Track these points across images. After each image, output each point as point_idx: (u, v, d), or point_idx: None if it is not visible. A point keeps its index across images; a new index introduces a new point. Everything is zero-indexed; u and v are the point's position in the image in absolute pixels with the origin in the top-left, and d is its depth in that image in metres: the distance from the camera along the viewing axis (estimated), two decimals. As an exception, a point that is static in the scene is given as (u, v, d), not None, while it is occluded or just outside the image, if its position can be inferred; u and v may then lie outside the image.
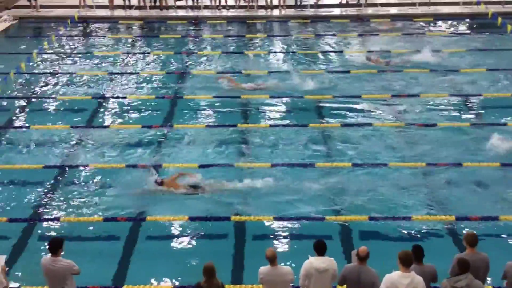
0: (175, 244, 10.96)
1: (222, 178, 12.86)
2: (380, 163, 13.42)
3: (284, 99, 17.24)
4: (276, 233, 11.18)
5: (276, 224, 11.36)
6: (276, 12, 26.55)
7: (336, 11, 26.69)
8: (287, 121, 15.90)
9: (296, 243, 10.93)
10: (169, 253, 10.68)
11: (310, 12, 26.30)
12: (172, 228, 11.34)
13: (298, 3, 26.87)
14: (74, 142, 14.77)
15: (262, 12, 26.50)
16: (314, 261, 8.06)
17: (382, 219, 11.37)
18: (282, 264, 8.58)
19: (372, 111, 16.33)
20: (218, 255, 10.10)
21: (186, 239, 11.06)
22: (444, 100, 16.92)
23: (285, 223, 11.39)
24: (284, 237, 11.09)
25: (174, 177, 12.77)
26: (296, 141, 14.69)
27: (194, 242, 11.00)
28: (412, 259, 7.65)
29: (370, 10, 26.45)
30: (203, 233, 11.20)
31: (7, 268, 8.75)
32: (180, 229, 11.32)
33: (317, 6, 26.79)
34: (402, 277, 7.53)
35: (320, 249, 8.12)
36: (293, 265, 8.52)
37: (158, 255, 10.55)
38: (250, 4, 26.60)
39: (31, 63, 19.51)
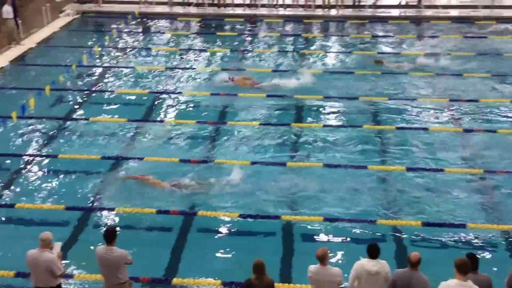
0: (225, 239, 11.05)
1: (275, 177, 12.87)
2: (436, 168, 13.14)
3: (339, 100, 17.09)
4: (325, 234, 11.11)
5: (326, 225, 11.29)
6: (333, 12, 26.36)
7: (395, 12, 26.29)
8: (341, 122, 15.77)
9: (346, 245, 10.83)
10: (219, 248, 10.76)
11: (368, 12, 26.00)
12: (222, 224, 11.42)
13: (356, 3, 26.59)
14: (131, 135, 15.07)
15: (319, 12, 26.36)
16: (366, 263, 7.97)
17: (436, 225, 11.13)
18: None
19: (429, 115, 16.01)
20: (267, 253, 10.14)
21: (236, 235, 11.13)
22: (506, 106, 16.43)
23: (335, 224, 11.30)
24: (334, 238, 11.01)
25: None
26: (349, 142, 14.55)
27: (243, 239, 11.05)
28: (469, 267, 7.43)
29: (429, 12, 25.90)
30: (252, 230, 11.23)
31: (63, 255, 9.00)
32: (231, 225, 11.39)
33: (375, 6, 26.44)
34: (459, 286, 7.33)
35: (373, 252, 8.03)
36: (342, 266, 8.42)
37: (208, 250, 10.66)
38: (308, 3, 26.50)
39: (92, 57, 20.01)
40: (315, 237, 11.07)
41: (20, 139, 14.76)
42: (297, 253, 10.65)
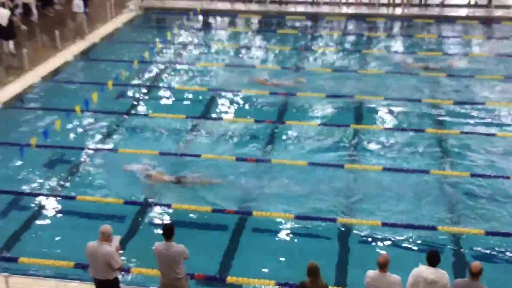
0: (280, 240, 10.94)
1: (332, 179, 12.67)
2: (502, 175, 12.61)
3: (401, 102, 16.67)
4: (383, 239, 10.85)
5: (384, 230, 11.02)
6: (398, 10, 25.80)
7: (463, 12, 25.47)
8: (402, 125, 15.38)
9: (404, 251, 10.55)
10: (274, 249, 10.67)
11: (435, 11, 25.30)
12: (277, 224, 11.31)
13: (423, 2, 25.93)
14: (188, 131, 15.17)
15: (383, 10, 25.86)
16: (424, 270, 7.73)
17: (500, 234, 10.67)
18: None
19: (497, 120, 15.40)
20: (322, 256, 9.98)
21: (291, 237, 11.01)
22: None
23: (393, 229, 11.02)
24: (392, 244, 10.74)
25: (160, 173, 12.82)
26: (410, 146, 14.17)
27: (298, 241, 10.92)
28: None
29: (500, 12, 24.95)
30: (308, 232, 11.08)
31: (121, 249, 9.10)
32: (286, 226, 11.26)
33: (442, 5, 25.71)
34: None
35: (433, 260, 7.78)
36: (398, 273, 8.16)
37: (263, 250, 10.60)
38: (372, 1, 26.04)
39: (154, 53, 20.29)
40: (371, 241, 10.82)
41: (82, 133, 15.11)
42: (352, 257, 10.44)
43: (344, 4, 26.47)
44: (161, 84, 18.37)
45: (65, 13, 25.91)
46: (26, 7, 24.69)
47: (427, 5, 25.85)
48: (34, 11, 24.77)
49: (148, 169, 12.87)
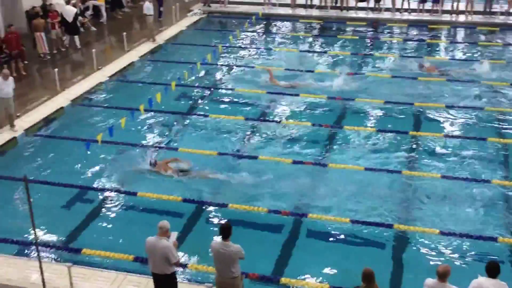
0: (334, 244, 10.97)
1: (389, 184, 12.63)
2: None
3: (462, 109, 16.39)
4: (440, 248, 10.71)
5: (441, 238, 10.89)
6: (462, 17, 25.31)
7: (530, 20, 24.77)
8: (463, 133, 15.12)
9: (462, 261, 10.38)
10: (328, 252, 10.71)
11: (499, 19, 24.68)
12: (332, 227, 11.34)
13: (487, 10, 25.33)
14: (247, 133, 15.41)
15: (446, 17, 25.43)
16: (484, 282, 7.61)
17: None
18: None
19: None
20: (378, 262, 9.96)
21: (345, 241, 11.03)
22: None
23: (451, 238, 10.87)
24: (449, 253, 10.58)
25: (167, 160, 13.26)
26: (471, 154, 13.92)
27: (353, 245, 10.93)
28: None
29: None
30: (363, 237, 11.07)
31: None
32: (341, 230, 11.27)
33: (508, 13, 25.04)
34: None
35: (493, 271, 7.66)
36: (457, 284, 8.08)
37: (317, 252, 10.66)
38: (434, 8, 25.65)
39: (216, 55, 20.68)
40: (428, 250, 10.69)
41: (145, 131, 15.60)
42: (408, 264, 10.35)
43: (406, 10, 26.17)
44: (222, 86, 18.71)
45: (133, 16, 26.81)
46: (95, 9, 25.69)
47: (491, 13, 25.24)
48: (104, 13, 25.73)
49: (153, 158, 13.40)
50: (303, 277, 9.88)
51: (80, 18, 24.06)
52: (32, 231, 8.76)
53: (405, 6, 26.19)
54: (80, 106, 17.21)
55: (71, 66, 20.57)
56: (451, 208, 11.83)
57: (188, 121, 16.31)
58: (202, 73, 19.58)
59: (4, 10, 21.85)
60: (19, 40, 19.30)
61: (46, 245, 10.66)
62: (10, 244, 10.68)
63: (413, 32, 24.56)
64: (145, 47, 22.30)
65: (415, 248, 10.79)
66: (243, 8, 27.83)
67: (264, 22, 26.20)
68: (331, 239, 11.09)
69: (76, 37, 22.02)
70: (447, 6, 25.75)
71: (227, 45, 22.07)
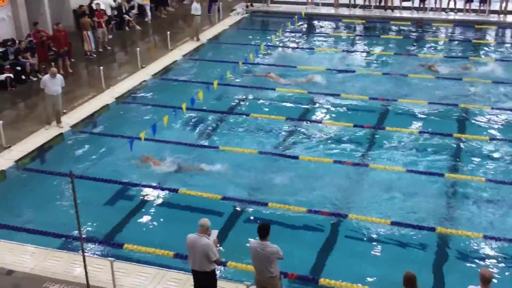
0: (375, 245, 10.87)
1: (431, 187, 12.45)
2: None
3: (509, 112, 16.01)
4: (484, 253, 10.51)
5: (485, 243, 10.68)
6: (510, 18, 24.68)
7: None
8: (509, 136, 14.77)
9: (507, 267, 10.15)
10: (368, 253, 10.63)
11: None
12: (373, 229, 11.25)
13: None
14: (287, 133, 15.41)
15: (494, 18, 24.85)
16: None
17: None
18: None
19: None
20: (419, 265, 9.85)
21: (386, 243, 10.91)
22: None
23: (496, 243, 10.65)
24: (493, 258, 10.36)
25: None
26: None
27: (394, 247, 10.80)
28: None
29: None
30: (404, 240, 10.93)
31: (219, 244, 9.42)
32: (382, 231, 11.17)
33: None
34: None
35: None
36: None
37: (357, 254, 10.58)
38: (481, 8, 25.11)
39: (258, 55, 20.71)
40: (472, 254, 10.51)
41: (187, 129, 15.77)
42: (450, 269, 10.19)
43: (452, 10, 25.70)
44: (262, 85, 18.74)
45: (177, 15, 27.14)
46: (141, 8, 26.12)
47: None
48: (148, 12, 26.13)
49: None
50: (342, 278, 9.82)
51: (125, 16, 24.57)
52: (77, 226, 8.96)
53: (451, 5, 25.72)
54: (124, 104, 17.53)
55: (116, 64, 20.99)
56: (496, 212, 11.58)
57: (229, 119, 16.41)
58: (244, 72, 19.65)
59: (52, 9, 22.43)
60: (67, 38, 19.77)
61: (90, 239, 10.91)
62: (55, 238, 10.95)
63: (459, 32, 24.10)
64: (188, 46, 22.55)
65: (457, 252, 10.60)
66: (286, 8, 27.83)
67: (307, 22, 26.12)
68: (371, 240, 10.99)
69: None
70: (495, 6, 25.14)
71: (269, 44, 22.09)
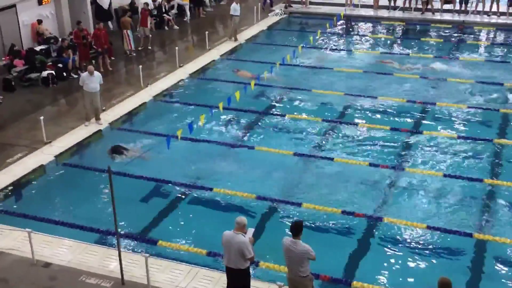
0: (409, 249, 10.74)
1: (469, 192, 12.25)
2: None
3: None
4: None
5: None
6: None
7: None
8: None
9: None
10: (402, 257, 10.51)
11: None
12: (408, 232, 11.14)
13: None
14: (323, 135, 15.35)
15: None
16: None
17: None
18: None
19: None
20: (454, 271, 9.71)
21: (421, 247, 10.76)
22: None
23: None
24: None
25: None
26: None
27: (429, 252, 10.65)
28: None
29: None
30: (440, 245, 10.78)
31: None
32: (417, 235, 11.05)
33: None
34: None
35: None
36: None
37: (390, 258, 10.48)
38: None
39: (295, 56, 20.69)
40: (509, 262, 10.29)
41: (223, 129, 15.86)
42: (486, 276, 10.00)
43: (494, 13, 25.19)
44: (299, 86, 18.69)
45: (216, 15, 27.31)
46: (180, 8, 26.40)
47: None
48: (187, 12, 26.40)
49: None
50: (374, 282, 9.73)
51: (165, 16, 24.86)
52: (113, 221, 9.11)
53: (494, 9, 25.21)
54: (161, 102, 17.74)
55: (155, 63, 21.24)
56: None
57: (265, 120, 16.44)
58: (281, 73, 19.65)
59: (94, 8, 22.85)
60: (107, 37, 20.13)
61: (125, 235, 11.07)
62: (92, 232, 11.16)
63: (501, 35, 23.62)
64: (226, 46, 22.68)
65: (494, 259, 10.40)
66: (325, 9, 27.73)
67: (346, 23, 25.97)
68: (406, 245, 10.87)
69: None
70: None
71: (307, 45, 22.04)
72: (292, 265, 8.40)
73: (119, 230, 9.64)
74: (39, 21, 20.42)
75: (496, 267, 10.24)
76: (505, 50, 21.88)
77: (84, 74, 15.60)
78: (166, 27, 25.06)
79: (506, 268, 10.13)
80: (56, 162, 13.93)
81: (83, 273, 9.80)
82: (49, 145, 14.50)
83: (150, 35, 22.59)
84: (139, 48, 22.14)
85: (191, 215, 12.03)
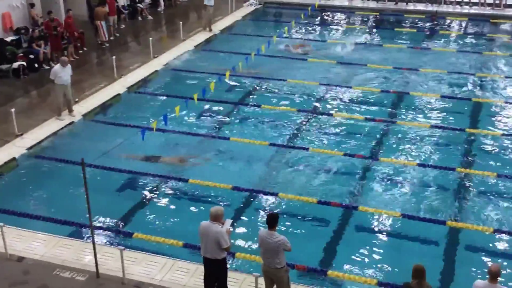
0: (383, 238, 10.86)
1: (442, 181, 12.39)
2: None
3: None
4: (493, 247, 10.47)
5: (495, 238, 10.64)
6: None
7: None
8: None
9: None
10: (377, 246, 10.61)
11: None
12: (382, 221, 11.24)
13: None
14: (298, 125, 15.38)
15: (509, 12, 24.58)
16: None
17: None
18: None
19: None
20: (428, 258, 9.82)
21: (395, 235, 10.89)
22: None
23: (506, 237, 10.62)
24: (503, 253, 10.32)
25: None
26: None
27: (403, 240, 10.78)
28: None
29: None
30: (413, 233, 10.90)
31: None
32: (391, 224, 11.17)
33: None
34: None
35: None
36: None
37: (366, 246, 10.55)
38: (496, 1, 24.85)
39: (270, 46, 20.61)
40: (481, 248, 10.47)
41: (198, 120, 15.79)
42: (459, 262, 10.16)
43: (467, 4, 25.46)
44: (275, 77, 18.66)
45: (190, 6, 27.09)
46: (154, -2, 26.13)
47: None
48: (161, 2, 26.14)
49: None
50: (350, 270, 9.82)
51: (138, 6, 24.58)
52: (87, 214, 9.02)
53: (466, -1, 25.53)
54: (136, 94, 17.57)
55: (128, 54, 21.00)
56: (507, 207, 11.51)
57: (240, 111, 16.41)
58: (256, 63, 19.57)
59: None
60: (74, 25, 19.90)
61: (100, 228, 10.97)
62: (65, 225, 11.01)
63: (473, 26, 23.91)
64: (200, 37, 22.53)
65: (467, 246, 10.58)
66: (298, -1, 27.70)
67: (320, 14, 25.99)
68: (381, 233, 10.98)
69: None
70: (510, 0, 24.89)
71: (282, 36, 22.00)
72: (268, 256, 8.40)
73: (94, 223, 9.54)
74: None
75: (468, 254, 10.41)
76: (477, 40, 22.11)
77: (57, 67, 15.22)
78: (139, 18, 24.79)
79: (477, 255, 10.30)
80: (29, 154, 13.72)
81: (57, 267, 9.69)
82: (21, 138, 14.27)
83: (117, 26, 22.36)
84: (111, 38, 21.86)
85: (167, 207, 11.98)
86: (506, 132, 14.64)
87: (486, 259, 10.11)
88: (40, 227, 10.85)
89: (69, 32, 19.45)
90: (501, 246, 10.50)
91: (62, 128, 14.98)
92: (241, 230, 11.00)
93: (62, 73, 15.06)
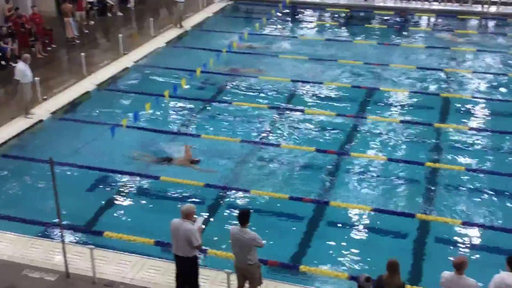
0: (355, 232, 10.94)
1: (411, 175, 12.55)
2: None
3: (489, 102, 16.16)
4: (462, 239, 10.64)
5: (463, 230, 10.83)
6: (493, 9, 24.82)
7: None
8: (488, 126, 14.92)
9: (485, 254, 10.27)
10: (349, 240, 10.68)
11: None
12: (354, 216, 11.33)
13: (519, 0, 24.86)
14: (270, 121, 15.39)
15: (477, 8, 24.98)
16: (506, 277, 7.47)
17: None
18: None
19: None
20: (398, 251, 9.96)
21: (367, 230, 10.99)
22: None
23: (474, 230, 10.81)
24: (471, 245, 10.50)
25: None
26: (497, 148, 13.72)
27: (374, 234, 10.88)
28: None
29: None
30: (384, 227, 11.01)
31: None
32: (362, 218, 11.26)
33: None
34: None
35: (515, 265, 7.53)
36: (478, 277, 7.98)
37: (338, 241, 10.61)
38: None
39: (241, 42, 20.60)
40: (450, 241, 10.64)
41: (169, 117, 15.68)
42: (429, 255, 10.29)
43: (435, 0, 25.79)
44: (246, 74, 18.63)
45: (160, 1, 26.85)
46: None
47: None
48: (131, -2, 25.88)
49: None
50: (322, 265, 9.88)
51: (108, 2, 24.29)
52: (56, 213, 8.89)
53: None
54: (105, 91, 17.37)
55: (98, 51, 20.76)
56: (474, 200, 11.74)
57: (211, 108, 16.35)
58: (227, 60, 19.55)
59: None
60: (41, 21, 19.60)
61: (70, 227, 10.80)
62: (34, 225, 10.85)
63: (442, 22, 24.22)
64: (171, 33, 22.38)
65: (436, 238, 10.73)
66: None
67: (291, 10, 26.04)
68: (352, 227, 11.06)
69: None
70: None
71: (253, 32, 22.00)
72: (240, 253, 8.40)
73: (63, 222, 9.42)
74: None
75: (437, 246, 10.55)
76: (446, 36, 22.40)
77: (22, 65, 14.78)
78: (109, 14, 24.51)
79: (447, 246, 10.46)
80: (-4, 154, 13.49)
81: (26, 267, 9.55)
82: (-12, 137, 14.02)
83: (86, 23, 22.09)
84: (78, 34, 21.57)
85: (138, 205, 11.88)
86: (473, 126, 14.86)
87: (455, 251, 10.26)
88: (7, 227, 10.65)
89: (37, 28, 19.13)
90: (469, 237, 10.66)
91: (30, 127, 14.74)
92: (213, 227, 10.97)
93: (27, 71, 14.80)
